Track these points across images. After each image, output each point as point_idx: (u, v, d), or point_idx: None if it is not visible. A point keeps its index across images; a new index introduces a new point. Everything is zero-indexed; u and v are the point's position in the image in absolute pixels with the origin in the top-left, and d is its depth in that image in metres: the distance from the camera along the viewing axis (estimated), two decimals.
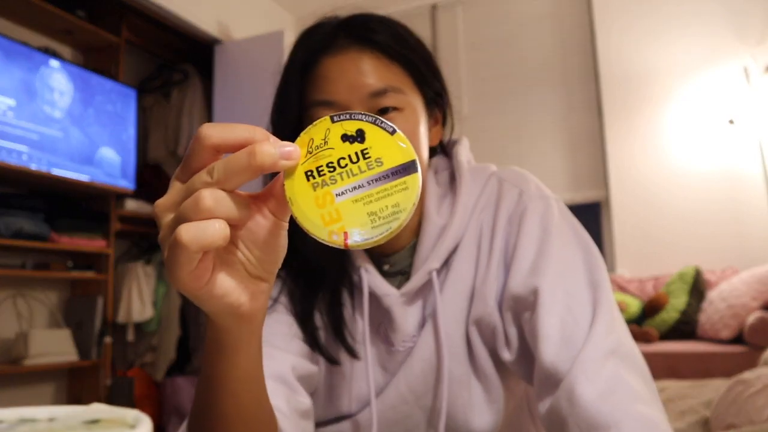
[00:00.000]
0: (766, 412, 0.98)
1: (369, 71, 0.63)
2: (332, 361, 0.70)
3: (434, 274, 0.67)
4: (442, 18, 3.95)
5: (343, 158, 0.36)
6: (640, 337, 2.67)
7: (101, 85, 2.99)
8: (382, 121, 0.36)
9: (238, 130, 0.35)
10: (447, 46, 3.91)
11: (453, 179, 0.72)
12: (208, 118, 3.48)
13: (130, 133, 3.15)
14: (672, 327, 2.71)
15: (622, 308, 2.89)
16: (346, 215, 0.35)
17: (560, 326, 0.58)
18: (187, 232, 0.33)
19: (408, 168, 0.35)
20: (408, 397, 0.68)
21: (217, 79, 3.37)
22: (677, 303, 2.76)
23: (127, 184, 3.07)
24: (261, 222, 0.38)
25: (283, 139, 0.53)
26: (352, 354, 0.70)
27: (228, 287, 0.38)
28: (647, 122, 3.34)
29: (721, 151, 3.16)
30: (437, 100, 0.71)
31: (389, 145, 0.36)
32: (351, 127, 0.36)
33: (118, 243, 3.19)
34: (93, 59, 3.25)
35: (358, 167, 0.36)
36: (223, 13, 3.50)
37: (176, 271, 0.35)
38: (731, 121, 3.10)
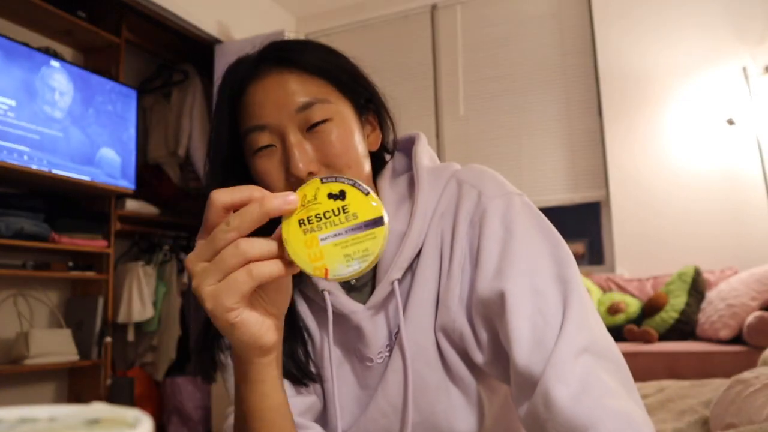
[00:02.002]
0: (765, 412, 0.98)
1: (293, 88, 0.64)
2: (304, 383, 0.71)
3: (396, 284, 0.67)
4: (442, 18, 3.95)
5: (328, 211, 0.46)
6: (639, 336, 2.67)
7: (101, 85, 3.00)
8: (359, 184, 0.47)
9: (242, 190, 0.47)
10: (447, 46, 3.91)
11: (411, 183, 0.72)
12: (209, 118, 3.49)
13: (130, 133, 3.15)
14: (671, 327, 2.71)
15: (622, 308, 2.89)
16: (327, 255, 0.46)
17: (530, 328, 0.57)
18: (257, 267, 0.45)
19: (376, 222, 0.46)
20: (387, 410, 0.68)
21: (217, 79, 3.36)
22: (677, 303, 2.76)
23: (127, 184, 3.08)
24: None
25: (217, 172, 0.70)
26: (312, 379, 0.70)
27: (252, 321, 0.49)
28: (647, 122, 3.34)
29: (720, 152, 3.16)
30: (369, 106, 0.72)
31: (364, 203, 0.46)
32: (335, 188, 0.47)
33: (118, 243, 3.19)
34: (93, 59, 3.25)
35: (339, 219, 0.46)
36: (223, 13, 3.50)
37: (228, 301, 0.46)
38: (731, 122, 3.10)
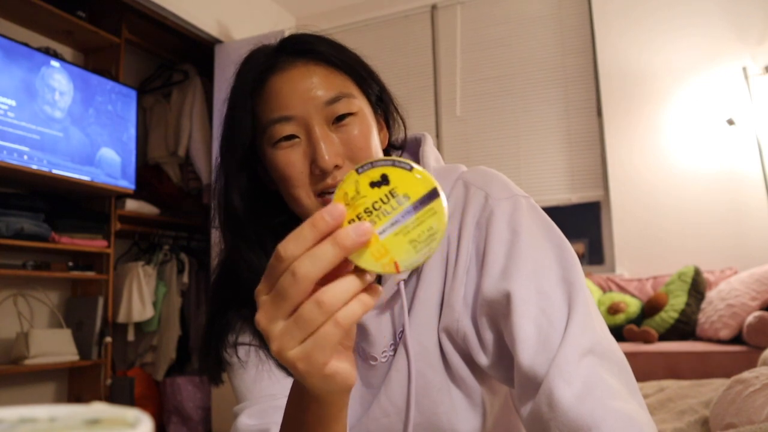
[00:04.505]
0: (765, 411, 0.98)
1: (319, 81, 0.64)
2: None
3: (401, 284, 0.67)
4: (442, 18, 3.95)
5: (376, 202, 0.41)
6: (639, 337, 2.67)
7: (101, 85, 3.00)
8: (399, 162, 0.41)
9: (308, 230, 0.39)
10: (446, 46, 3.92)
11: None
12: (209, 118, 3.49)
13: (130, 133, 3.15)
14: (671, 327, 2.71)
15: (622, 308, 2.89)
16: (391, 248, 0.40)
17: (535, 329, 0.57)
18: (344, 316, 0.39)
19: (431, 196, 0.40)
20: (390, 410, 0.68)
21: (217, 79, 3.37)
22: (676, 303, 2.76)
23: (127, 184, 3.08)
24: None
25: (234, 162, 0.66)
26: None
27: (343, 365, 0.43)
28: (647, 122, 3.34)
29: (720, 152, 3.16)
30: (379, 104, 0.73)
31: (410, 181, 0.40)
32: (375, 174, 0.41)
33: (118, 243, 3.19)
34: (93, 59, 3.25)
35: (390, 206, 0.40)
36: (223, 13, 3.50)
37: (322, 357, 0.40)
38: (731, 122, 3.11)
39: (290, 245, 0.39)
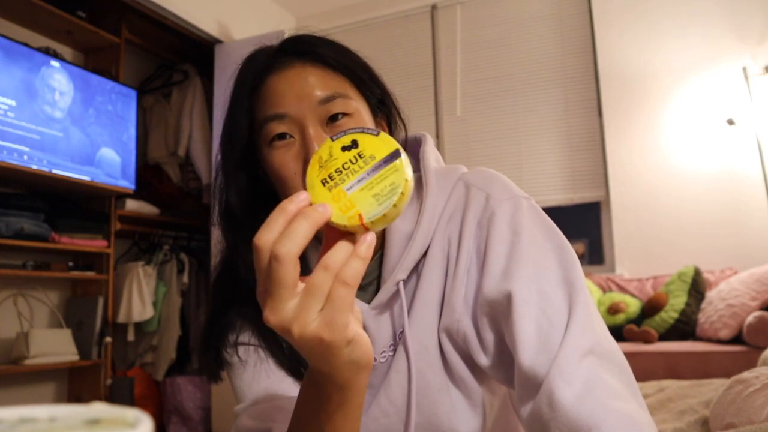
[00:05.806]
0: (765, 411, 0.98)
1: (315, 81, 0.65)
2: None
3: (401, 285, 0.66)
4: (442, 18, 3.95)
5: (346, 163, 0.47)
6: (639, 337, 2.67)
7: (101, 85, 3.00)
8: (368, 129, 0.48)
9: (276, 220, 0.43)
10: (446, 46, 3.92)
11: (419, 184, 0.72)
12: (209, 118, 3.49)
13: (130, 133, 3.15)
14: (671, 327, 2.71)
15: (622, 308, 2.89)
16: (357, 202, 0.45)
17: (536, 330, 0.57)
18: (349, 275, 0.42)
19: (394, 155, 0.46)
20: (389, 410, 0.68)
21: (217, 79, 3.37)
22: (676, 303, 2.76)
23: (127, 184, 3.08)
24: None
25: (233, 161, 0.69)
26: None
27: (362, 331, 0.45)
28: (647, 122, 3.34)
29: (720, 152, 3.16)
30: (380, 107, 0.73)
31: (376, 143, 0.47)
32: (346, 140, 0.48)
33: (118, 243, 3.19)
34: (93, 59, 3.25)
35: (358, 165, 0.46)
36: (223, 13, 3.50)
37: (343, 318, 0.42)
38: (731, 122, 3.11)
39: (264, 233, 0.42)
